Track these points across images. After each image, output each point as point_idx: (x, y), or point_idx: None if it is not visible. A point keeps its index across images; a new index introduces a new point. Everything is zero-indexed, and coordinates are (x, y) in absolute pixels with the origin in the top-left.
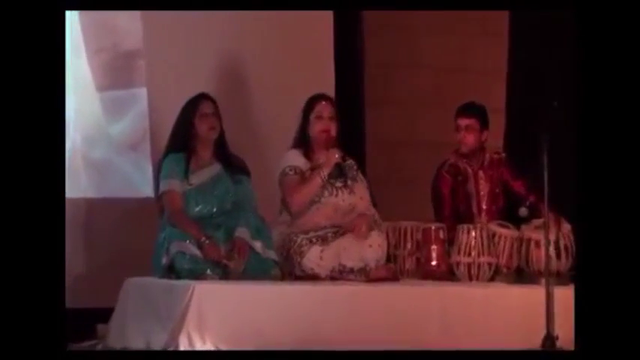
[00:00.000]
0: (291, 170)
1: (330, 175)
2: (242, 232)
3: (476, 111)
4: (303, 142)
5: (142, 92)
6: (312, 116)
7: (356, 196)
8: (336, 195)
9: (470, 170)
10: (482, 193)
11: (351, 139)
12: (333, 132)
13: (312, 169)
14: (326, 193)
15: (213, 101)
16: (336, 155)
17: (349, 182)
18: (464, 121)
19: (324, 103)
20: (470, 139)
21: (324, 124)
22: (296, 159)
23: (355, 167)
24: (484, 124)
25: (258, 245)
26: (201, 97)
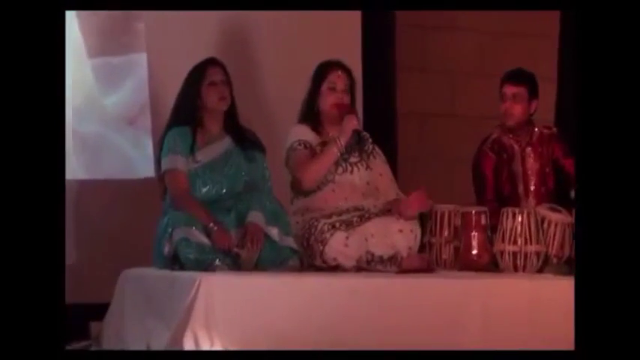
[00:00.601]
0: (300, 145)
1: (346, 148)
2: (255, 217)
3: (525, 78)
4: (311, 115)
5: (141, 58)
6: (325, 87)
7: (374, 173)
8: (352, 172)
9: (516, 147)
10: (529, 172)
11: (380, 110)
12: (348, 101)
13: (324, 144)
14: (340, 170)
15: (223, 67)
16: (354, 122)
17: (365, 157)
18: (511, 89)
19: (339, 72)
20: (517, 110)
21: (337, 97)
22: (305, 133)
23: (370, 140)
24: (533, 93)
25: (274, 232)
26: (209, 63)
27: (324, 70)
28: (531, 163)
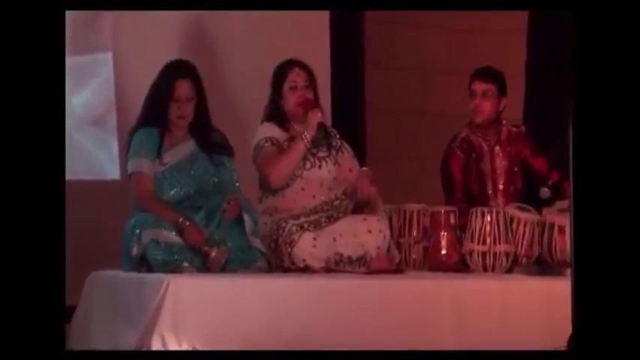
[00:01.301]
0: (267, 142)
1: (313, 143)
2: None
3: (494, 76)
4: (277, 115)
5: (107, 58)
6: (286, 87)
7: (343, 168)
8: (320, 166)
9: (485, 145)
10: (498, 171)
11: (349, 108)
12: (311, 96)
13: (291, 140)
14: (308, 165)
15: (193, 78)
16: (318, 115)
17: (333, 152)
18: (480, 86)
19: (297, 69)
20: (486, 107)
21: (299, 95)
22: (271, 131)
23: (337, 136)
24: (502, 91)
25: (248, 222)
26: (178, 74)
27: (283, 70)
28: (500, 162)
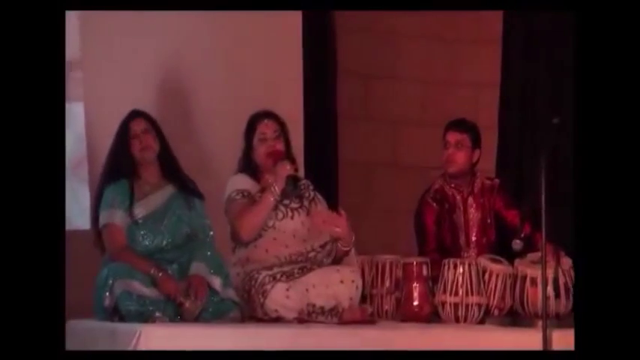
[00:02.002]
0: (238, 195)
1: (283, 196)
2: (199, 268)
3: (468, 127)
4: (248, 166)
5: (79, 108)
6: (255, 139)
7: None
8: (292, 217)
9: (458, 197)
10: (471, 223)
11: (322, 160)
12: (281, 148)
13: (263, 191)
14: (280, 216)
15: (146, 117)
16: (287, 167)
17: (305, 203)
18: (454, 137)
19: (265, 121)
20: (460, 157)
21: (269, 146)
22: (243, 182)
23: (311, 187)
24: (476, 142)
25: (217, 283)
26: (131, 116)
27: (252, 122)
28: (473, 214)
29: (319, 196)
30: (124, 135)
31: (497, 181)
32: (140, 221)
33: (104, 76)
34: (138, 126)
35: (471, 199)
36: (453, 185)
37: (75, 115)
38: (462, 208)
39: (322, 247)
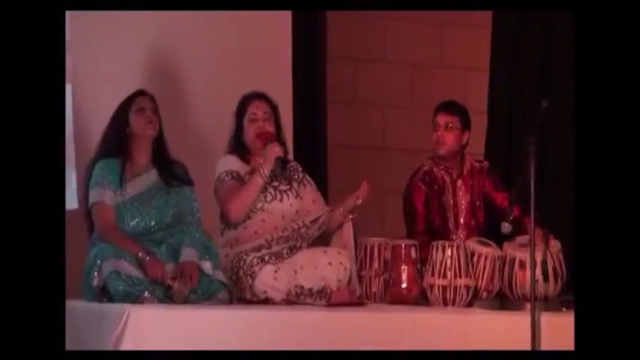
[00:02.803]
0: (227, 175)
1: (272, 177)
2: (190, 255)
3: (457, 109)
4: (238, 147)
5: (67, 90)
6: (245, 120)
7: (305, 201)
8: (281, 199)
9: (447, 179)
10: (460, 205)
11: (311, 143)
12: (271, 129)
13: (252, 172)
14: (269, 198)
15: (152, 98)
16: (276, 149)
17: (295, 185)
18: (443, 118)
19: (256, 102)
20: (449, 139)
21: (258, 127)
22: (233, 163)
23: (300, 169)
24: (465, 124)
25: (207, 266)
26: (139, 93)
27: (243, 103)
28: (462, 196)
29: (308, 178)
30: (124, 110)
31: (486, 163)
32: (128, 201)
33: (92, 59)
34: (145, 102)
35: (460, 182)
36: (442, 167)
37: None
38: (451, 190)
39: (313, 222)
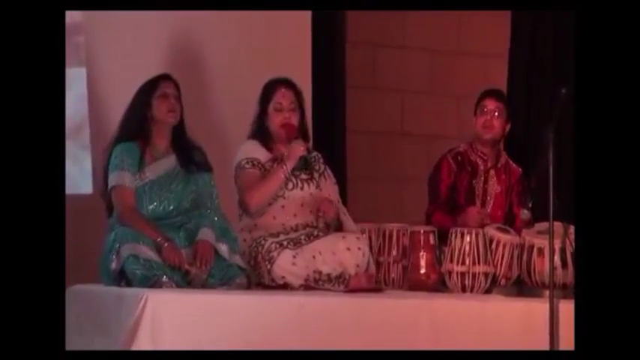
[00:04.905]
0: (248, 163)
1: (294, 169)
2: (206, 234)
3: (505, 98)
4: (261, 133)
5: (81, 73)
6: (270, 107)
7: (323, 194)
8: (302, 188)
9: (482, 165)
10: (491, 193)
11: (330, 128)
12: (295, 121)
13: (274, 160)
14: (290, 186)
15: (176, 84)
16: (301, 148)
17: (315, 175)
18: (493, 103)
19: (283, 90)
20: (497, 124)
21: (284, 117)
22: (254, 150)
23: (321, 160)
24: (509, 115)
25: (224, 248)
26: (163, 77)
27: (269, 89)
28: (492, 185)
29: (329, 171)
30: (146, 94)
31: (520, 170)
32: (147, 185)
33: (107, 41)
34: (169, 88)
35: (492, 172)
36: (478, 152)
37: (76, 80)
38: (482, 176)
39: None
